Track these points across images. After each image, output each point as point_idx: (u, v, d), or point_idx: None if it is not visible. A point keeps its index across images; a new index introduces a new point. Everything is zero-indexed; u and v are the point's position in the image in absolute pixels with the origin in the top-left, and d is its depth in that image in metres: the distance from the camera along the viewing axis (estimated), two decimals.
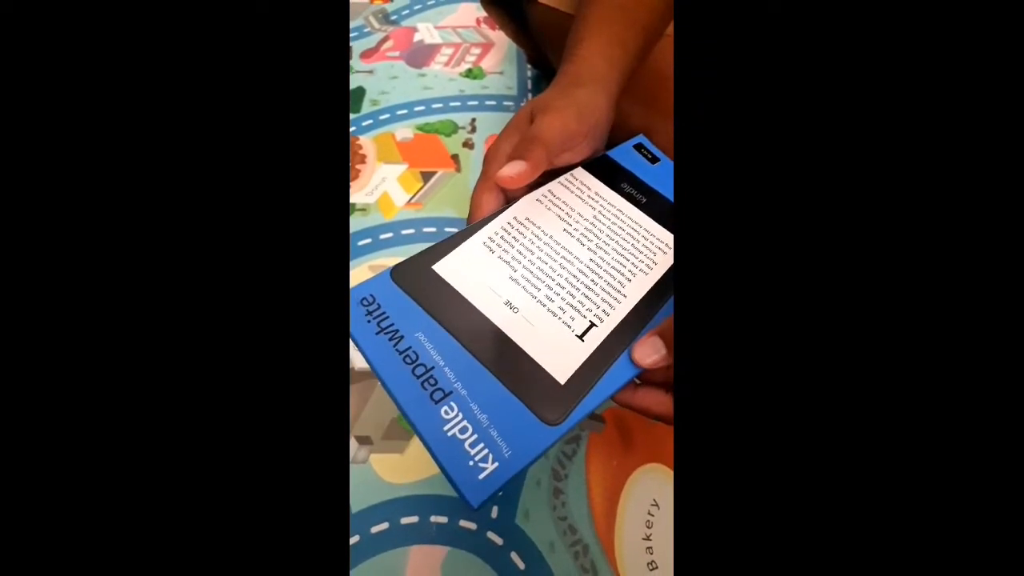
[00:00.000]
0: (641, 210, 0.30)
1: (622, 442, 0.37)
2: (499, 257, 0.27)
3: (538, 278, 0.26)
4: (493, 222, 0.28)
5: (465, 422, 0.21)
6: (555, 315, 0.25)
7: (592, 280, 0.27)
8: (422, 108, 0.63)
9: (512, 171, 0.27)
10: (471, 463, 0.20)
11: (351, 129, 0.61)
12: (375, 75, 0.67)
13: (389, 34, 0.74)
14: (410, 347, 0.23)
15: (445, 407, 0.22)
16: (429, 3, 0.80)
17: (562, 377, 0.23)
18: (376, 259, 0.48)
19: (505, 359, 0.23)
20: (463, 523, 0.34)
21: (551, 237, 0.28)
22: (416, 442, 0.38)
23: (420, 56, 0.70)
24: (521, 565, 0.33)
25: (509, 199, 0.29)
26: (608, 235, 0.29)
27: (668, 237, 0.29)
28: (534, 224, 0.29)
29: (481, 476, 0.20)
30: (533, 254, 0.27)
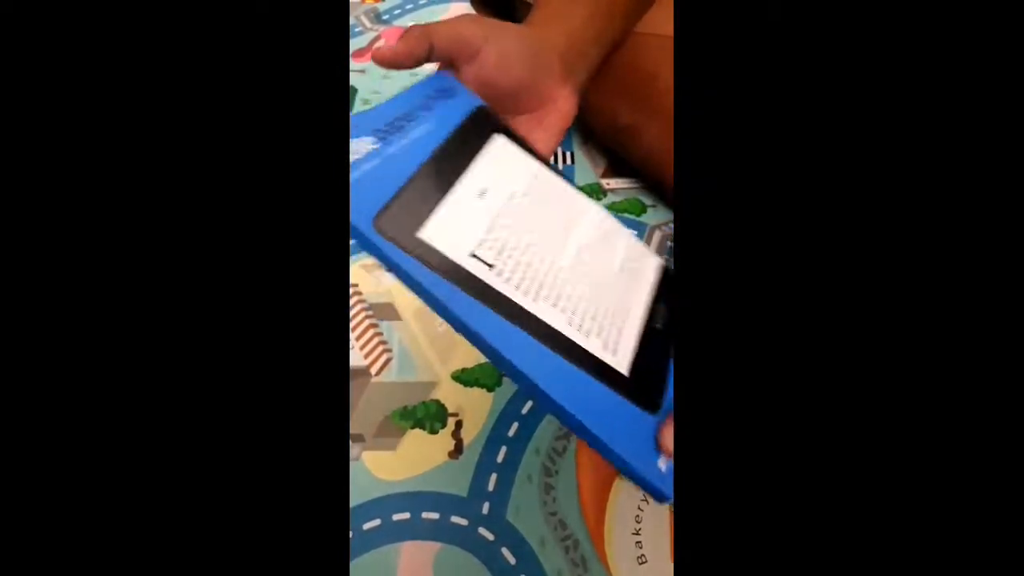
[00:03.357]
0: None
1: None
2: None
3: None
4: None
5: None
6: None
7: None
8: None
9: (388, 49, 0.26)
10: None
11: None
12: (367, 74, 0.67)
13: (381, 33, 0.74)
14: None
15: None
16: (420, 2, 0.79)
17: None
18: (367, 259, 0.49)
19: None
20: (455, 519, 0.35)
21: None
22: (409, 439, 0.38)
23: None
24: (512, 560, 0.33)
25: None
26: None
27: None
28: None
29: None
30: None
